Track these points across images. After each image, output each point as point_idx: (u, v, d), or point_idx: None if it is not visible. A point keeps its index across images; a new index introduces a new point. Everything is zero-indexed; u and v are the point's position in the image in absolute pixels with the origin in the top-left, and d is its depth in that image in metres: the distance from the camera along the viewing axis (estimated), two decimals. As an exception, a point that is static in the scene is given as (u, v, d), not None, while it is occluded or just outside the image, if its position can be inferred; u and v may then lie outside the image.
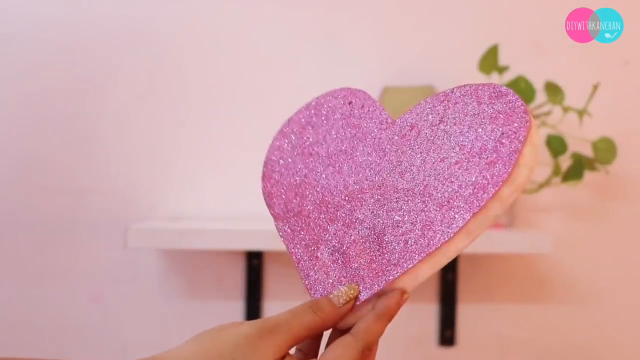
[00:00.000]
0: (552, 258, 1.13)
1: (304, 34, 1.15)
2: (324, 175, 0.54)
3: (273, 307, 1.12)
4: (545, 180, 1.04)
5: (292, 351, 0.47)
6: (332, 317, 0.46)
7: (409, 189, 0.49)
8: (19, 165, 1.13)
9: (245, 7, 1.14)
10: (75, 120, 1.13)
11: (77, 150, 1.13)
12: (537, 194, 1.05)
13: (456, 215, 0.46)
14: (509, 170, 0.45)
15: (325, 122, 0.56)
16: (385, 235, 0.48)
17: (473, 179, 0.46)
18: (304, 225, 0.52)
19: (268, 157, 0.56)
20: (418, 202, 0.48)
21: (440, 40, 1.15)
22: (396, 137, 0.52)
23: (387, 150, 0.52)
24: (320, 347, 0.49)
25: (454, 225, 0.45)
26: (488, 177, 0.46)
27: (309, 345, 0.49)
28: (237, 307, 1.12)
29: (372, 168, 0.52)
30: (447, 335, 1.12)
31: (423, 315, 1.13)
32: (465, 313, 1.13)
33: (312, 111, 0.56)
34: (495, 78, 1.03)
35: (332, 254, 0.50)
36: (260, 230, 0.97)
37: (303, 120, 0.56)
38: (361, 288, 0.47)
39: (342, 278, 0.49)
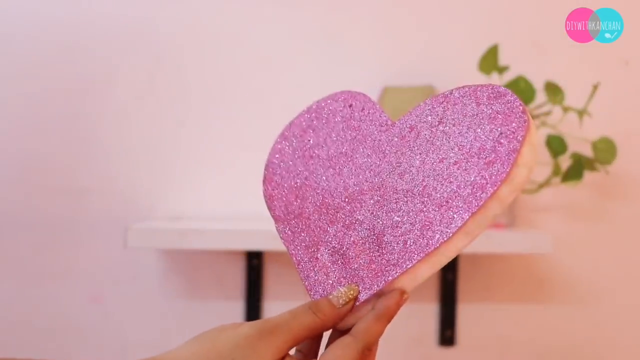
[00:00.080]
0: (552, 258, 1.13)
1: (304, 34, 1.15)
2: (324, 177, 0.54)
3: (273, 307, 1.12)
4: (545, 180, 1.04)
5: (292, 352, 0.47)
6: (332, 317, 0.46)
7: (408, 189, 0.49)
8: (19, 165, 1.13)
9: (245, 7, 1.14)
10: (75, 120, 1.13)
11: (77, 150, 1.13)
12: (537, 194, 1.05)
13: (455, 215, 0.46)
14: (508, 170, 0.45)
15: (325, 125, 0.56)
16: (384, 235, 0.48)
17: (472, 179, 0.46)
18: (304, 227, 0.53)
19: (269, 160, 0.57)
20: (417, 203, 0.48)
21: (440, 40, 1.15)
22: (396, 139, 0.52)
23: (386, 151, 0.52)
24: (320, 347, 0.49)
25: (453, 225, 0.46)
26: (487, 176, 0.46)
27: (309, 346, 0.49)
28: (237, 307, 1.12)
29: (372, 170, 0.52)
30: (447, 335, 1.12)
31: (423, 315, 1.13)
32: (465, 313, 1.13)
33: (313, 114, 0.57)
34: (495, 78, 1.03)
35: (332, 255, 0.50)
36: (260, 230, 0.97)
37: (304, 123, 0.57)
38: (360, 288, 0.47)
39: (341, 279, 0.49)
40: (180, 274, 1.13)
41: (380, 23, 1.15)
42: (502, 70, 1.02)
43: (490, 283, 1.14)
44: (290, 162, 0.56)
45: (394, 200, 0.49)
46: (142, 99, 1.13)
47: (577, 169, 1.01)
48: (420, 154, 0.50)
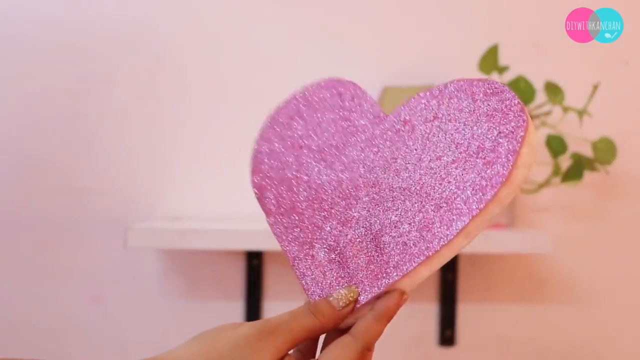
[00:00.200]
0: (552, 258, 1.13)
1: (304, 34, 1.15)
2: (316, 170, 0.52)
3: (273, 307, 1.12)
4: (545, 180, 1.04)
5: (291, 351, 0.47)
6: (332, 320, 0.46)
7: (405, 187, 0.48)
8: (19, 165, 1.13)
9: (245, 7, 1.14)
10: (75, 120, 1.13)
11: (77, 150, 1.13)
12: (537, 194, 1.05)
13: (455, 218, 0.45)
14: (508, 172, 0.44)
15: (314, 114, 0.54)
16: (382, 235, 0.48)
17: (471, 180, 0.46)
18: (297, 222, 0.51)
19: (256, 149, 0.54)
20: (415, 202, 0.47)
21: (440, 40, 1.15)
22: (389, 133, 0.51)
23: (380, 146, 0.51)
24: (318, 345, 0.49)
25: (454, 228, 0.45)
26: (486, 178, 0.45)
27: (307, 345, 0.49)
28: (237, 307, 1.12)
29: (365, 164, 0.51)
30: (447, 335, 1.12)
31: (423, 315, 1.13)
32: (465, 313, 1.13)
33: (300, 102, 0.55)
34: (495, 78, 1.03)
35: (328, 253, 0.49)
36: (260, 230, 0.97)
37: (291, 110, 0.55)
38: (360, 290, 0.47)
39: (339, 279, 0.48)
40: (180, 274, 1.13)
41: (380, 23, 1.15)
42: (502, 70, 1.02)
43: (490, 283, 1.14)
44: (279, 152, 0.53)
45: (391, 198, 0.49)
46: (142, 99, 1.13)
47: (577, 169, 1.01)
48: (416, 150, 0.49)
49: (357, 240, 0.49)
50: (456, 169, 0.47)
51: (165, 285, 1.12)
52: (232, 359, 0.42)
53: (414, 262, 0.46)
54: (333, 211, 0.51)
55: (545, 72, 1.05)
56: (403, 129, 0.50)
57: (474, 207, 0.45)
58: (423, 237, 0.46)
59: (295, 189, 0.52)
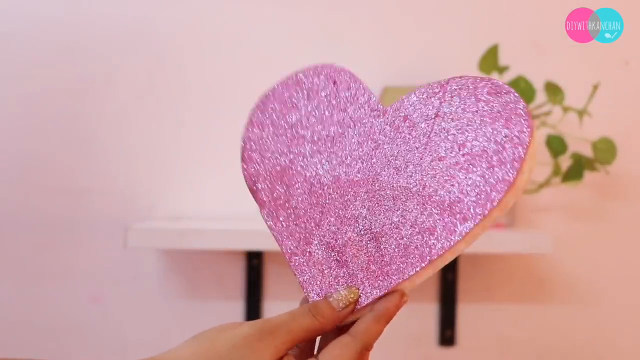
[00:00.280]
0: (552, 258, 1.13)
1: (304, 34, 1.15)
2: (311, 162, 0.50)
3: (273, 307, 1.12)
4: (545, 180, 1.04)
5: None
6: (331, 321, 0.46)
7: (406, 187, 0.47)
8: (19, 165, 1.13)
9: (245, 7, 1.14)
10: (75, 120, 1.13)
11: (77, 150, 1.13)
12: (537, 194, 1.05)
13: (458, 223, 0.44)
14: (513, 179, 0.44)
15: (308, 101, 0.52)
16: (383, 236, 0.47)
17: (475, 185, 0.45)
18: (293, 216, 0.50)
19: (246, 135, 0.52)
20: (417, 204, 0.46)
21: (440, 40, 1.15)
22: (388, 128, 0.49)
23: (379, 141, 0.49)
24: (315, 343, 0.49)
25: (457, 234, 0.44)
26: (491, 184, 0.44)
27: (305, 343, 0.49)
28: (237, 307, 1.12)
29: (364, 160, 0.49)
30: (447, 335, 1.12)
31: (423, 315, 1.13)
32: (465, 313, 1.13)
33: (293, 87, 0.53)
34: (495, 78, 1.03)
35: (326, 251, 0.48)
36: (260, 230, 0.96)
37: (284, 96, 0.53)
38: (361, 291, 0.46)
39: (338, 278, 0.47)
40: (180, 274, 1.13)
41: (380, 23, 1.15)
42: (502, 70, 1.02)
43: (490, 283, 1.14)
44: (271, 139, 0.51)
45: (391, 198, 0.47)
46: (142, 99, 1.13)
47: (577, 169, 1.01)
48: (417, 148, 0.48)
49: (357, 239, 0.48)
50: (459, 171, 0.46)
51: (165, 285, 1.12)
52: (231, 359, 0.42)
53: (416, 266, 0.45)
54: (330, 207, 0.49)
55: (545, 72, 1.05)
56: (402, 125, 0.49)
57: (478, 212, 0.44)
58: (425, 241, 0.45)
59: (289, 182, 0.51)
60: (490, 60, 1.03)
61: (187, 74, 1.14)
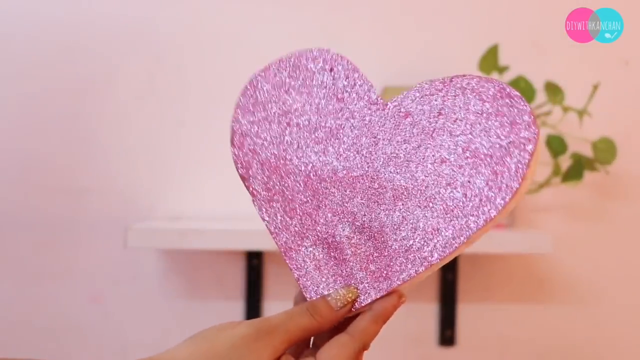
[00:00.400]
0: (552, 258, 1.13)
1: (304, 34, 1.15)
2: (307, 153, 0.48)
3: (273, 307, 1.12)
4: (545, 180, 1.03)
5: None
6: (329, 320, 0.46)
7: (407, 187, 0.46)
8: (19, 165, 1.13)
9: (245, 7, 1.14)
10: (75, 120, 1.13)
11: (77, 150, 1.13)
12: (537, 194, 1.05)
13: (461, 228, 0.44)
14: (518, 186, 0.43)
15: (303, 88, 0.49)
16: (382, 236, 0.46)
17: (479, 190, 0.44)
18: (288, 209, 0.48)
19: (235, 117, 0.49)
20: (418, 205, 0.46)
21: (440, 40, 1.15)
22: (388, 123, 0.48)
23: (379, 137, 0.48)
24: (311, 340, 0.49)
25: (459, 238, 0.44)
26: (495, 189, 0.43)
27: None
28: (237, 307, 1.12)
29: (363, 155, 0.48)
30: (447, 335, 1.12)
31: (423, 315, 1.13)
32: (465, 313, 1.13)
33: (287, 71, 0.50)
34: (495, 78, 1.03)
35: (323, 248, 0.47)
36: (260, 230, 0.96)
37: (277, 79, 0.50)
38: (360, 291, 0.46)
39: (336, 276, 0.47)
40: (180, 274, 1.13)
41: (380, 23, 1.15)
42: (502, 70, 1.02)
43: (490, 283, 1.14)
44: (263, 125, 0.49)
45: (392, 196, 0.46)
46: (142, 99, 1.13)
47: (577, 169, 1.01)
48: (419, 147, 0.46)
49: (355, 237, 0.47)
50: (462, 175, 0.45)
51: (165, 285, 1.12)
52: (230, 359, 0.42)
53: (417, 269, 0.45)
54: (327, 202, 0.48)
55: (545, 72, 1.05)
56: (403, 121, 0.47)
57: (482, 217, 0.44)
58: (427, 244, 0.45)
59: (283, 172, 0.48)
60: (490, 60, 1.03)
61: (187, 74, 1.14)
